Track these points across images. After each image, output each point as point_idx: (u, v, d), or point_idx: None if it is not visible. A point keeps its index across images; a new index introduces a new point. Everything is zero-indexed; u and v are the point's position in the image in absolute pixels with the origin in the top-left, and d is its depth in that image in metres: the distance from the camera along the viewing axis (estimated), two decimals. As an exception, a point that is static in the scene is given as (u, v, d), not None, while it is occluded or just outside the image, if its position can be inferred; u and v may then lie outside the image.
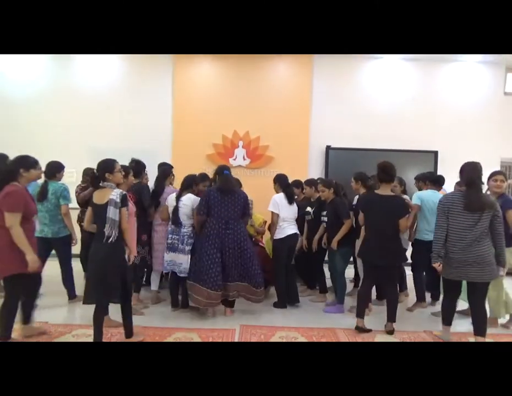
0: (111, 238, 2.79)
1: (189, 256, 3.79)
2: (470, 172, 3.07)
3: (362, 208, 3.61)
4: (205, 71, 6.59)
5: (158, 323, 3.57)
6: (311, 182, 4.68)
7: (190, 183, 4.03)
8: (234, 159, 6.53)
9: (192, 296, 3.68)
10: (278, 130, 6.48)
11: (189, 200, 3.88)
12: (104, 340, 2.93)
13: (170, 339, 3.23)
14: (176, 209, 3.87)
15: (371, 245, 3.46)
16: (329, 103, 6.57)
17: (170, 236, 3.92)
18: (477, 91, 6.69)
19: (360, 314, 3.54)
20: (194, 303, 3.69)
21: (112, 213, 2.78)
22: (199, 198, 3.84)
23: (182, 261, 3.81)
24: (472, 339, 3.23)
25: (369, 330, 3.52)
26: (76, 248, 4.22)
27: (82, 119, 6.39)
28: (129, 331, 3.08)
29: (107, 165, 2.94)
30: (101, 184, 2.91)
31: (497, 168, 6.49)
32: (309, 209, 4.48)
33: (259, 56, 6.36)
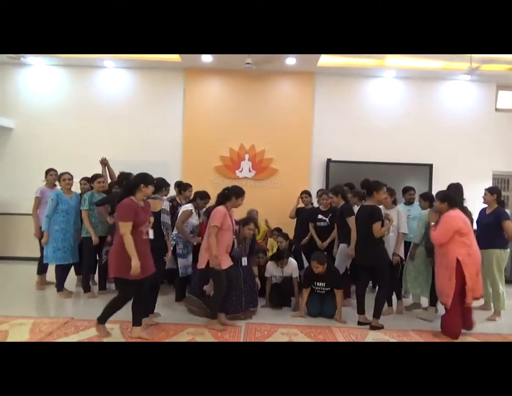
0: (165, 236, 3.74)
1: (179, 260, 4.42)
2: (455, 192, 4.15)
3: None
4: (214, 88, 7.04)
5: (173, 320, 3.96)
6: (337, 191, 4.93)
7: (194, 197, 4.74)
8: (241, 171, 6.94)
9: None
10: (282, 144, 6.89)
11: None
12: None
13: (183, 333, 3.60)
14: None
15: (358, 248, 4.07)
16: (330, 118, 6.99)
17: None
18: (470, 107, 7.07)
19: (360, 311, 4.05)
20: None
21: (165, 218, 3.75)
22: (184, 210, 4.45)
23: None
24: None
25: (370, 323, 3.96)
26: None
27: (97, 132, 6.85)
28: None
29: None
30: (152, 196, 3.68)
31: (490, 181, 6.90)
32: (320, 216, 4.93)
33: (265, 74, 6.84)
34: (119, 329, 3.61)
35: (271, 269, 4.58)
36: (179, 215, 4.45)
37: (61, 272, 4.68)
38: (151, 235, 3.46)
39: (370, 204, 3.95)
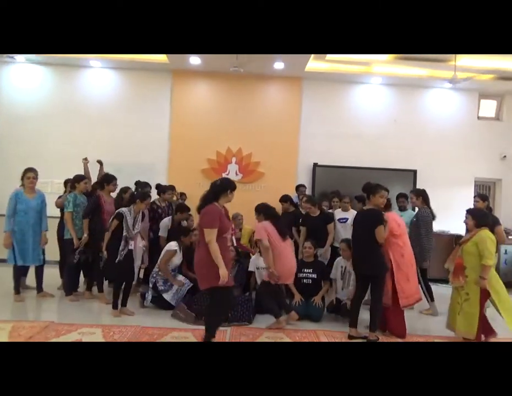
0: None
1: (164, 295, 4.32)
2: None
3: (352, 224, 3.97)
4: (202, 91, 7.02)
5: (157, 324, 3.89)
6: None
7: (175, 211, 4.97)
8: (227, 174, 6.90)
9: None
10: (269, 148, 6.90)
11: None
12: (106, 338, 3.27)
13: (167, 338, 3.54)
14: None
15: (356, 257, 3.75)
16: (317, 123, 7.03)
17: None
18: (453, 115, 7.21)
19: (352, 324, 3.70)
20: None
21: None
22: (168, 249, 4.39)
23: None
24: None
25: (364, 337, 3.64)
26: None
27: (83, 133, 6.72)
28: None
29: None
30: None
31: (472, 187, 7.03)
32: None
33: (253, 78, 6.84)
34: (101, 333, 3.54)
35: (255, 260, 4.64)
36: (162, 254, 4.36)
37: (18, 273, 4.49)
38: (235, 242, 3.44)
39: (369, 208, 3.71)
